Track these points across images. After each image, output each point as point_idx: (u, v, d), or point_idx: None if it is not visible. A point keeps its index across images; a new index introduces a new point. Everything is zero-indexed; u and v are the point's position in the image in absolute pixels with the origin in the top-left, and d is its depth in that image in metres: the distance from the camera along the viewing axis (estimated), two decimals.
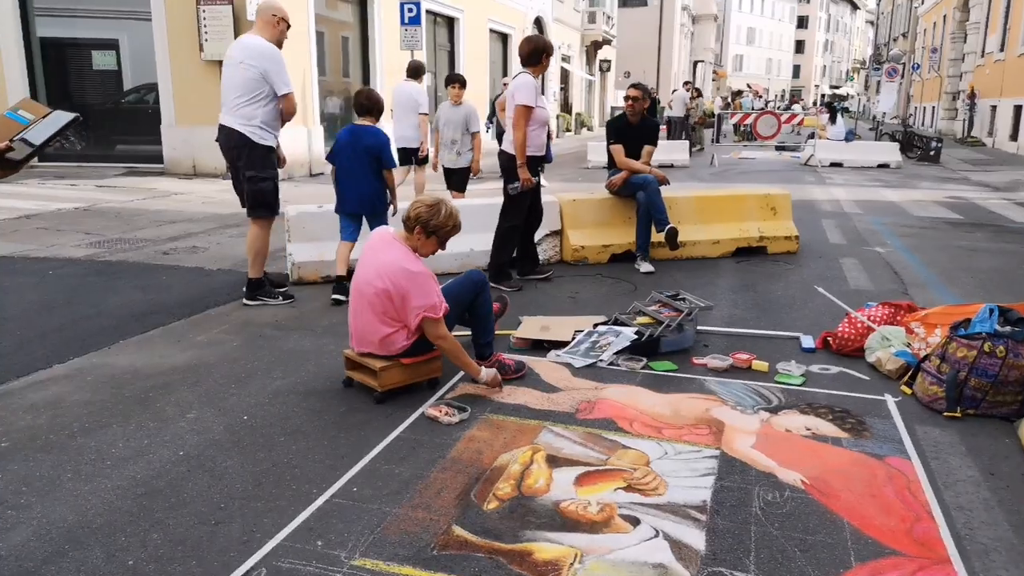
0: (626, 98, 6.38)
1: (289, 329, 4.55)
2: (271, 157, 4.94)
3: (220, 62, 5.28)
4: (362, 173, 5.09)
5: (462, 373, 3.70)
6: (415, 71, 8.50)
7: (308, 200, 8.36)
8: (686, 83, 23.48)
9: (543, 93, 5.61)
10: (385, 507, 2.52)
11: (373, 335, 3.41)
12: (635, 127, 6.37)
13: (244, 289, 5.10)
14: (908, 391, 3.59)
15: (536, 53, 5.39)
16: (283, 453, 2.92)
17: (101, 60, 13.03)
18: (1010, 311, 3.46)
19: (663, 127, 17.88)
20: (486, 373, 3.56)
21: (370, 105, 5.14)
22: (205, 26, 11.70)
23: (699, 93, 22.74)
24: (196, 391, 3.55)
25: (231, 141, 4.81)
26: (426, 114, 8.27)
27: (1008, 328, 3.34)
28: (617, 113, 6.72)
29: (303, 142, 12.96)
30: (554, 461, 2.88)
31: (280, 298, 5.09)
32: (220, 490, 2.64)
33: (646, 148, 6.38)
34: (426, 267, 3.42)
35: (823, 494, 2.65)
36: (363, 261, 3.52)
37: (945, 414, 3.33)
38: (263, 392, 3.54)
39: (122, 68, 13.07)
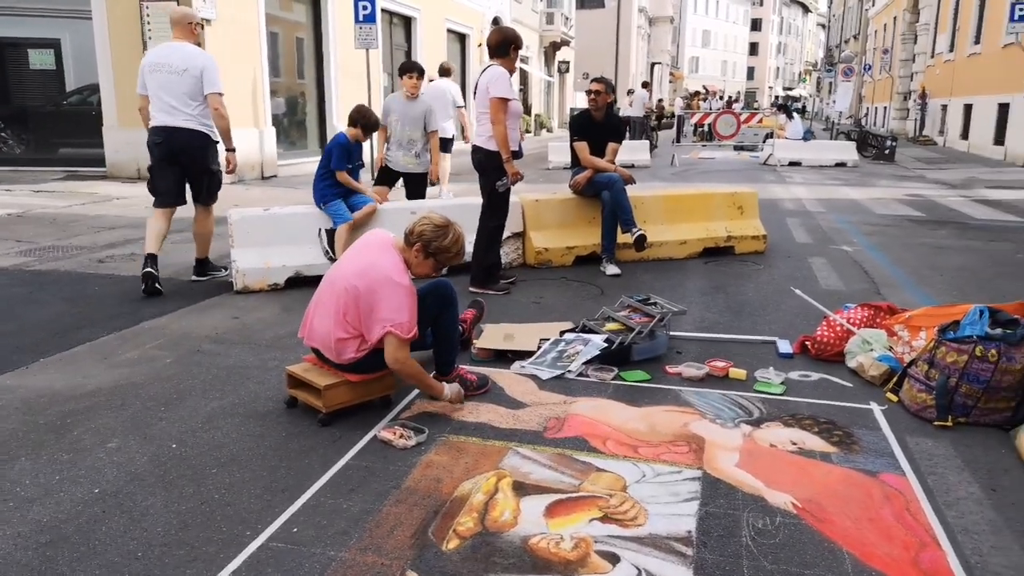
0: (588, 92, 6.13)
1: (230, 343, 4.18)
2: None
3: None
4: (320, 164, 5.66)
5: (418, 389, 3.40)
6: (446, 71, 9.89)
7: (257, 203, 7.97)
8: (644, 83, 23.42)
9: None
10: (329, 551, 2.21)
11: (326, 333, 3.11)
12: (599, 123, 6.12)
13: (195, 268, 5.57)
14: (894, 398, 3.39)
15: (505, 43, 5.10)
16: (214, 488, 2.58)
17: (38, 60, 12.38)
18: (999, 312, 3.27)
19: None
20: (449, 389, 3.27)
21: (357, 117, 5.58)
22: (149, 25, 11.17)
23: None
24: (120, 416, 3.18)
25: (196, 142, 5.18)
26: (462, 107, 9.46)
27: (999, 330, 3.14)
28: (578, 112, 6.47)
29: (255, 144, 12.46)
30: (521, 488, 2.59)
31: (224, 270, 5.54)
32: (138, 535, 2.29)
33: (611, 145, 6.13)
34: (412, 286, 3.13)
35: (817, 519, 2.40)
36: (349, 255, 3.25)
37: (935, 423, 3.13)
38: (196, 416, 3.19)
39: (64, 68, 12.43)
